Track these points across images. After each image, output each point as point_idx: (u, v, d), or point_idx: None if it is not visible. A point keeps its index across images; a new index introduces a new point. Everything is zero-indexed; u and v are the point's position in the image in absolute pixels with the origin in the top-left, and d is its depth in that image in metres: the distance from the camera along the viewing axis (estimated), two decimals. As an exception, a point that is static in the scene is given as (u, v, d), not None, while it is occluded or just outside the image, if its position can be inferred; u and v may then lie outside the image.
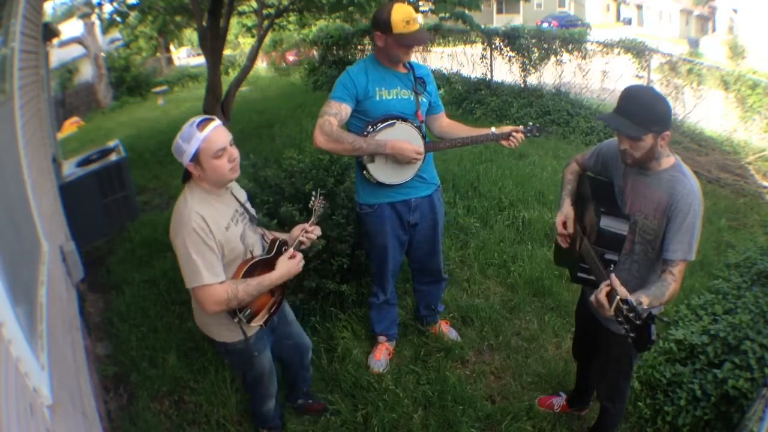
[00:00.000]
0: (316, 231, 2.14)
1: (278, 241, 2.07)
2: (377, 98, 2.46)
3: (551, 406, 2.65)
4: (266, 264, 1.99)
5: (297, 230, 2.14)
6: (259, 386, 2.30)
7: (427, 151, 2.56)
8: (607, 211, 1.88)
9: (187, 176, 1.90)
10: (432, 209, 2.75)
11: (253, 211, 2.12)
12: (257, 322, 2.02)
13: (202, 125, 1.79)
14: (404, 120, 2.48)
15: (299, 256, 2.04)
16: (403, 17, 2.34)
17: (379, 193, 2.61)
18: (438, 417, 2.58)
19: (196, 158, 1.80)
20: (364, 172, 2.54)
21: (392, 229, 2.70)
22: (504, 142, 2.59)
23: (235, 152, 1.87)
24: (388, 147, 2.41)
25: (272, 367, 2.27)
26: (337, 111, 2.41)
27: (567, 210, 2.11)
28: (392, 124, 2.45)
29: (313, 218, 2.17)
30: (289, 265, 1.99)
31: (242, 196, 2.10)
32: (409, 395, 2.69)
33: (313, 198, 2.21)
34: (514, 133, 2.57)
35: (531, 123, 2.67)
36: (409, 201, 2.66)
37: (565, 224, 2.09)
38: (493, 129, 2.61)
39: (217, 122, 1.83)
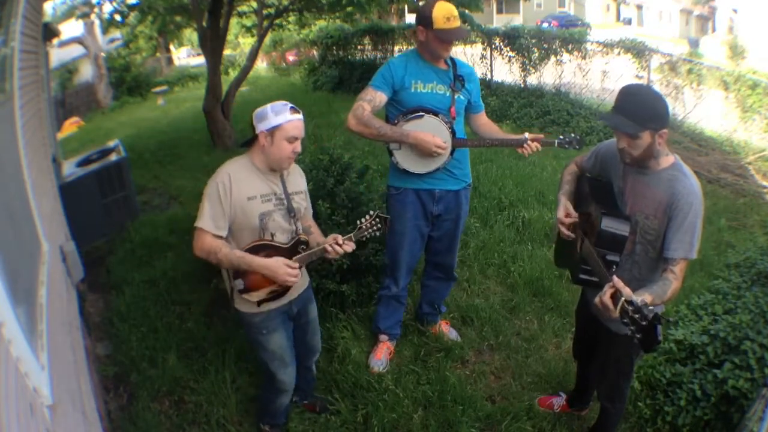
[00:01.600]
0: (347, 246, 2.09)
1: (298, 239, 2.11)
2: (412, 90, 2.56)
3: (551, 406, 2.65)
4: (275, 250, 2.05)
5: (330, 237, 2.12)
6: (269, 373, 2.29)
7: (455, 147, 2.61)
8: (608, 212, 1.88)
9: (247, 144, 2.07)
10: (458, 205, 2.80)
11: (301, 204, 2.17)
12: (250, 299, 2.09)
13: (294, 110, 2.00)
14: (435, 114, 2.54)
15: (295, 268, 2.02)
16: (444, 14, 2.43)
17: (405, 179, 2.69)
18: (438, 417, 2.58)
19: (272, 131, 1.97)
20: (392, 157, 2.63)
21: (413, 217, 2.75)
22: (518, 149, 2.57)
23: (300, 148, 2.04)
24: (410, 137, 2.51)
25: (284, 355, 2.26)
26: (372, 98, 2.53)
27: (565, 203, 2.09)
28: (420, 117, 2.54)
29: (353, 233, 2.14)
30: (279, 266, 1.99)
31: (298, 185, 2.18)
32: (409, 395, 2.69)
33: (368, 215, 2.16)
34: (529, 142, 2.53)
35: (573, 134, 2.62)
36: (433, 191, 2.71)
37: (567, 215, 2.04)
38: (526, 134, 2.58)
39: (302, 116, 2.03)
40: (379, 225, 2.15)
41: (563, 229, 2.05)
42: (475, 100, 2.73)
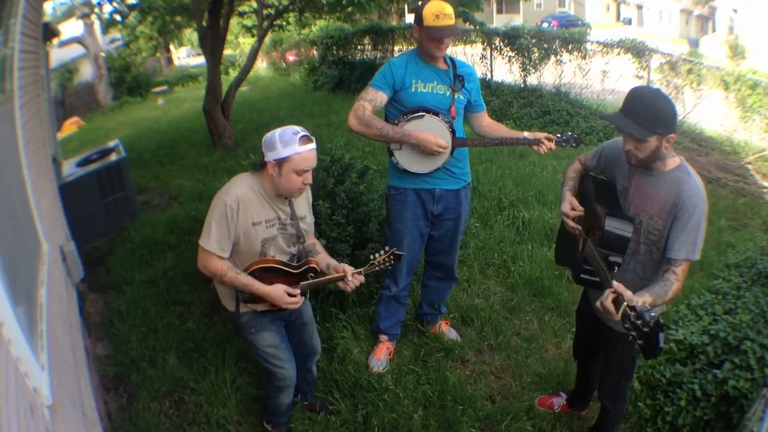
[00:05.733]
0: (355, 281, 2.09)
1: (309, 266, 2.09)
2: (413, 90, 2.56)
3: (551, 406, 2.65)
4: (284, 275, 2.05)
5: (340, 267, 2.10)
6: (267, 370, 2.29)
7: (456, 147, 2.61)
8: (611, 212, 1.88)
9: (258, 167, 1.99)
10: (458, 204, 2.80)
11: (304, 227, 2.14)
12: (256, 308, 2.10)
13: (303, 140, 1.88)
14: (435, 114, 2.55)
15: (297, 298, 2.04)
16: (433, 11, 2.43)
17: (405, 179, 2.69)
18: (438, 417, 2.58)
19: (281, 162, 1.87)
20: (392, 157, 2.63)
21: (413, 217, 2.75)
22: (535, 147, 2.58)
23: (310, 178, 1.96)
24: (412, 137, 2.51)
25: (278, 352, 2.26)
26: (372, 98, 2.53)
27: (570, 197, 2.09)
28: (421, 117, 2.54)
29: (364, 268, 2.13)
30: (281, 295, 2.01)
31: (302, 209, 2.13)
32: (409, 395, 2.69)
33: (383, 251, 2.16)
34: (545, 140, 2.55)
35: (570, 132, 2.63)
36: (433, 191, 2.71)
37: (573, 208, 2.04)
38: (525, 134, 2.61)
39: (314, 144, 1.92)
40: (392, 261, 2.16)
41: (569, 222, 2.05)
42: (475, 99, 2.73)
